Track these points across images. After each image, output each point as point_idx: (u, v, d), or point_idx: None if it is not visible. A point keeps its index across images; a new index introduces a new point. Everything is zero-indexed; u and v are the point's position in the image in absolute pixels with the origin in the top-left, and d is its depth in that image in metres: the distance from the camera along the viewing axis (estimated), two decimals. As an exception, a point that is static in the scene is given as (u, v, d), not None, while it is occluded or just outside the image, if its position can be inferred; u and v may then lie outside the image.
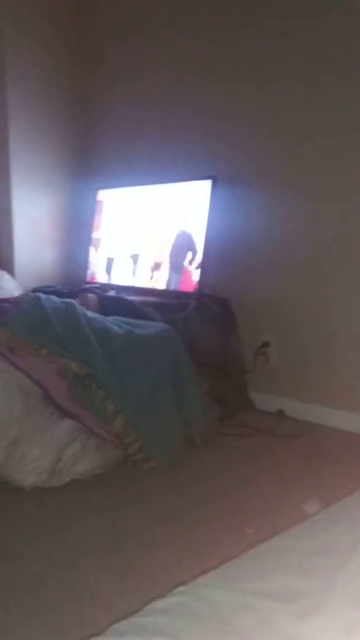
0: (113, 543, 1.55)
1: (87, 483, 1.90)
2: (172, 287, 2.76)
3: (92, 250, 3.22)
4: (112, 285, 3.01)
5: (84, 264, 3.24)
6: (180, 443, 2.14)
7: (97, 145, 3.35)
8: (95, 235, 3.22)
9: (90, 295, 2.73)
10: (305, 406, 2.55)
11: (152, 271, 2.87)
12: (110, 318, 2.35)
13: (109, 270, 3.10)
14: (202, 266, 2.66)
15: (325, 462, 2.09)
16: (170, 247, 2.81)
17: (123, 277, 3.01)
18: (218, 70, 2.76)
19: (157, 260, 2.86)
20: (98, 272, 3.15)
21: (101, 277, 3.12)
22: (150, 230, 2.92)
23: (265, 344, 2.68)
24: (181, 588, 0.95)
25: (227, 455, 2.17)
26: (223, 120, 2.75)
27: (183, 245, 2.76)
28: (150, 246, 2.91)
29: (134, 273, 2.96)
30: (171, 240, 2.80)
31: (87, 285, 3.00)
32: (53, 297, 2.32)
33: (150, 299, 2.66)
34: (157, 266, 2.85)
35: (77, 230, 3.35)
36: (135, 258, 2.97)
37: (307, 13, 2.43)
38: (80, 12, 3.25)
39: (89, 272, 3.21)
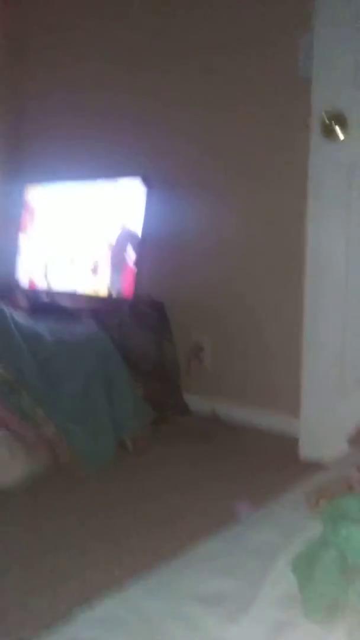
0: (38, 553, 1.51)
1: (15, 491, 1.85)
2: (114, 288, 2.72)
3: (22, 250, 3.14)
4: (45, 290, 2.95)
5: (13, 265, 3.15)
6: (112, 448, 2.12)
7: (26, 139, 3.25)
8: (25, 235, 3.15)
9: (20, 297, 2.66)
10: (239, 408, 2.58)
11: (93, 273, 2.82)
12: (40, 322, 2.30)
13: (45, 273, 3.03)
14: (136, 268, 2.64)
15: (257, 464, 2.12)
16: (109, 247, 2.77)
17: (61, 280, 2.94)
18: (152, 61, 2.74)
19: (96, 263, 2.81)
20: (34, 276, 3.07)
21: (38, 281, 3.04)
22: (86, 231, 2.88)
23: (199, 347, 2.70)
24: (109, 597, 0.94)
25: (159, 460, 2.16)
26: (157, 117, 2.74)
27: (123, 242, 2.72)
28: (88, 247, 2.86)
29: (71, 278, 2.90)
30: (110, 240, 2.76)
31: (17, 289, 2.93)
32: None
33: (84, 304, 2.63)
34: (96, 268, 2.81)
35: (3, 230, 3.25)
36: (73, 260, 2.92)
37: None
38: (10, 3, 3.17)
39: (18, 274, 3.13)
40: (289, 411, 2.41)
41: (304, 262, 2.20)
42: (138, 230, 2.65)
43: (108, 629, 0.85)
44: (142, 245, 2.66)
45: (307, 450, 2.16)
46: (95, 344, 2.26)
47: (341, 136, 2.06)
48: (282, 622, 0.84)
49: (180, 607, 0.90)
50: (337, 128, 2.05)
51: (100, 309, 2.55)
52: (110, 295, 2.71)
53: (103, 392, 2.19)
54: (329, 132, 2.06)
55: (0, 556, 1.49)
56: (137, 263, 2.65)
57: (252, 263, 2.54)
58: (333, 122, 2.05)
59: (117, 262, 2.72)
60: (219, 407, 2.63)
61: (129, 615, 0.90)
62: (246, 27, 2.46)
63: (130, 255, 2.66)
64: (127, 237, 2.70)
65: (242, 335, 2.59)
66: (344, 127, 2.05)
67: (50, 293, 2.90)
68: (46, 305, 2.65)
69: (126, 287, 2.67)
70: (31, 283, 3.06)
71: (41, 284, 3.01)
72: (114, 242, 2.74)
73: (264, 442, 2.37)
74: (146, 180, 2.66)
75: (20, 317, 2.27)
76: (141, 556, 1.45)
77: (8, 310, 2.23)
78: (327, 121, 2.05)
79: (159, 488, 1.92)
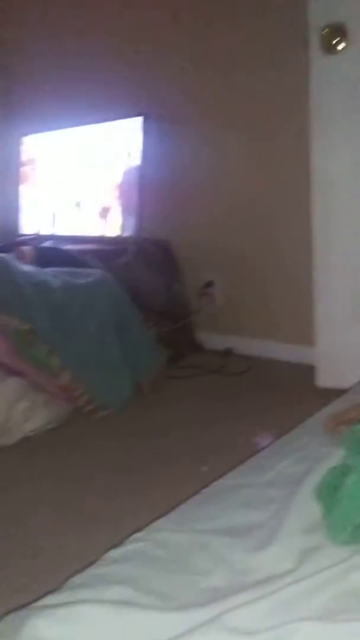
0: (66, 498, 1.54)
1: (39, 439, 1.88)
2: (118, 230, 2.67)
3: (24, 200, 3.09)
4: (48, 235, 2.92)
5: (15, 215, 3.11)
6: (129, 391, 2.13)
7: (18, 87, 3.16)
8: (27, 184, 3.08)
9: (25, 248, 2.63)
10: (253, 342, 2.58)
11: (101, 218, 2.77)
12: (47, 270, 2.27)
13: (49, 220, 2.99)
14: (139, 208, 2.59)
15: (275, 395, 2.13)
16: (113, 190, 2.70)
17: (65, 225, 2.90)
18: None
19: (105, 205, 2.76)
20: (38, 224, 3.03)
21: (42, 228, 3.00)
22: (91, 175, 2.81)
23: (209, 284, 2.67)
24: (137, 535, 0.95)
25: (177, 398, 2.18)
26: (153, 54, 2.63)
27: (128, 183, 2.66)
28: (94, 191, 2.80)
29: (79, 223, 2.85)
30: (114, 183, 2.69)
31: (22, 238, 2.90)
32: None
33: (89, 247, 2.59)
34: (105, 212, 2.75)
35: (3, 181, 3.19)
36: (79, 206, 2.86)
37: None
38: None
39: (22, 224, 3.09)
40: (305, 341, 2.40)
41: (311, 190, 2.13)
42: (140, 170, 2.58)
43: (137, 565, 0.86)
44: (145, 184, 2.59)
45: (324, 378, 2.16)
46: (106, 288, 2.24)
47: (342, 50, 1.95)
48: (308, 548, 0.85)
49: (207, 540, 0.91)
50: (338, 41, 1.94)
51: (105, 252, 2.51)
52: (115, 237, 2.67)
53: (116, 336, 2.18)
54: (329, 46, 1.96)
55: (30, 500, 1.52)
56: (141, 203, 2.59)
57: (258, 195, 2.48)
58: (333, 34, 1.93)
59: (122, 204, 2.66)
60: (233, 343, 2.62)
61: (157, 551, 0.91)
62: None
63: (134, 196, 2.61)
64: (131, 178, 2.64)
65: (252, 269, 2.56)
66: (345, 38, 1.94)
67: (55, 239, 2.86)
68: (52, 252, 2.61)
69: (131, 228, 2.62)
70: (35, 231, 3.02)
71: (45, 231, 2.97)
72: (118, 184, 2.67)
73: (280, 373, 2.38)
74: (146, 119, 2.57)
75: (27, 267, 2.25)
76: (165, 493, 1.48)
77: (14, 262, 2.21)
78: (327, 34, 1.94)
79: (179, 424, 1.94)
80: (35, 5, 2.98)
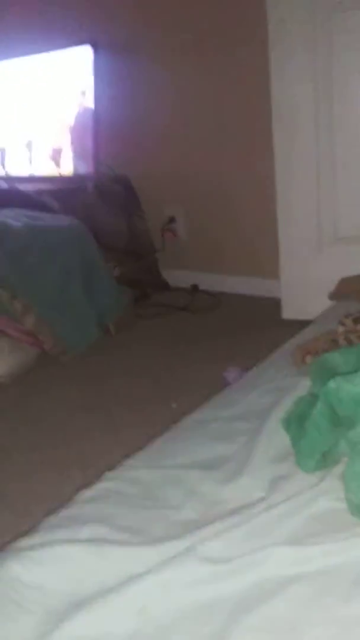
0: (36, 441, 1.54)
1: (6, 385, 1.86)
2: (75, 167, 2.58)
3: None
4: (5, 177, 2.80)
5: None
6: (95, 332, 2.11)
7: None
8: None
9: (-22, 189, 2.53)
10: (219, 277, 2.57)
11: (53, 159, 2.66)
12: (5, 211, 2.19)
13: (2, 161, 2.86)
14: (95, 144, 2.49)
15: (242, 330, 2.14)
16: (68, 127, 2.59)
17: (19, 167, 2.79)
18: None
19: (56, 147, 2.65)
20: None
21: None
22: (42, 111, 2.68)
23: (172, 219, 2.63)
24: (108, 474, 0.95)
25: (144, 338, 2.17)
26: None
27: (82, 120, 2.55)
28: (46, 129, 2.67)
29: (30, 162, 2.74)
30: (68, 120, 2.58)
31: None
32: None
33: (46, 186, 2.50)
34: (58, 150, 2.65)
35: None
36: (29, 146, 2.74)
37: None
38: None
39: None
40: (270, 274, 2.40)
41: (272, 120, 2.07)
42: (91, 102, 2.47)
43: (110, 504, 0.87)
44: (100, 118, 2.49)
45: (289, 310, 2.18)
46: (71, 233, 2.18)
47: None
48: (277, 476, 0.86)
49: (178, 474, 0.92)
50: None
51: (63, 191, 2.43)
52: (72, 176, 2.58)
53: (80, 277, 2.14)
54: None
55: (1, 444, 1.52)
56: (96, 138, 2.49)
57: (217, 126, 2.41)
58: None
59: (77, 140, 2.56)
60: (199, 279, 2.61)
61: (129, 487, 0.92)
62: None
63: (90, 131, 2.50)
64: (85, 112, 2.53)
65: (214, 204, 2.51)
66: None
67: (9, 179, 2.75)
68: (7, 192, 2.52)
69: (87, 165, 2.53)
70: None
71: (5, 172, 2.85)
72: (72, 119, 2.56)
73: (247, 307, 2.38)
74: (95, 46, 2.44)
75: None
76: (137, 432, 1.49)
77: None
78: None
79: (147, 364, 1.94)
80: None
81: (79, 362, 1.98)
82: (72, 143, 2.59)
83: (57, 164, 2.65)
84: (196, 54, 2.37)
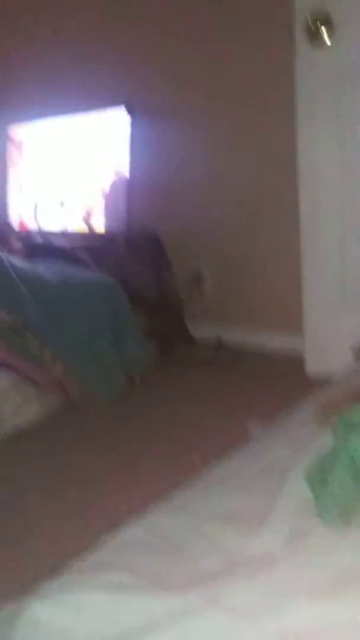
0: (61, 487, 1.55)
1: (31, 432, 1.89)
2: (107, 224, 2.67)
3: (11, 191, 3.07)
4: (38, 230, 2.91)
5: (4, 209, 3.10)
6: (121, 383, 2.15)
7: (4, 76, 3.13)
8: (14, 175, 3.07)
9: (15, 242, 2.63)
10: (243, 331, 2.59)
11: (85, 215, 2.76)
12: (39, 265, 2.28)
13: (37, 213, 2.98)
14: (128, 201, 2.59)
15: (265, 384, 2.15)
16: (103, 192, 2.70)
17: (53, 219, 2.90)
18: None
19: (89, 203, 2.75)
20: (26, 216, 3.02)
21: (30, 222, 2.99)
22: (77, 167, 2.80)
23: (199, 274, 2.68)
24: (130, 522, 0.97)
25: (169, 391, 2.19)
26: (139, 45, 2.62)
27: (119, 182, 2.65)
28: (79, 188, 2.79)
29: (63, 219, 2.85)
30: (101, 183, 2.69)
31: (11, 232, 2.89)
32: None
33: (79, 242, 2.59)
34: (89, 210, 2.75)
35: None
36: (64, 205, 2.85)
37: None
38: None
39: (9, 216, 3.08)
40: (294, 330, 2.42)
41: (298, 177, 2.14)
42: (126, 161, 2.58)
43: (133, 551, 0.88)
44: (132, 176, 2.59)
45: (313, 366, 2.19)
46: (99, 284, 2.25)
47: (328, 41, 1.96)
48: (298, 530, 0.87)
49: (200, 526, 0.93)
50: (323, 30, 1.95)
51: (95, 246, 2.52)
52: (104, 232, 2.67)
53: (109, 329, 2.20)
54: (314, 37, 1.96)
55: (24, 490, 1.54)
56: (129, 196, 2.59)
57: (246, 184, 2.49)
58: (318, 24, 1.94)
59: (110, 197, 2.67)
60: (224, 333, 2.64)
61: (152, 537, 0.93)
62: None
63: (122, 189, 2.61)
64: (118, 172, 2.64)
65: (241, 260, 2.57)
66: (329, 29, 1.94)
67: (43, 233, 2.86)
68: (41, 246, 2.61)
69: (119, 221, 2.62)
70: (23, 224, 3.01)
71: (33, 225, 2.96)
72: (106, 179, 2.67)
73: (271, 362, 2.39)
74: (130, 109, 2.56)
75: (17, 260, 2.25)
76: (158, 482, 1.49)
77: (4, 254, 2.21)
78: (311, 24, 1.95)
79: (170, 417, 1.96)
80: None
81: (102, 412, 2.00)
82: (105, 199, 2.69)
83: (89, 220, 2.75)
84: (226, 115, 2.47)
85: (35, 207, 2.97)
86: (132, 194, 2.60)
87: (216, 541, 0.89)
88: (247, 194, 2.49)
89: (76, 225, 2.79)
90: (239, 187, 2.50)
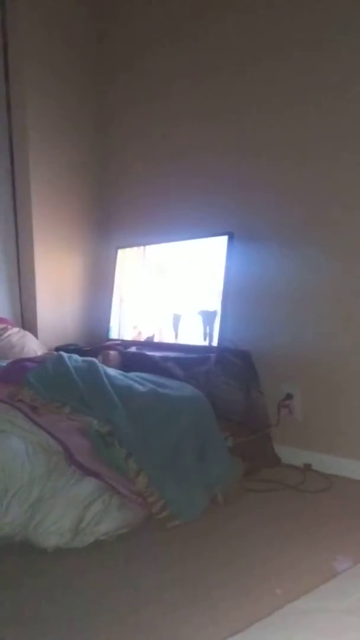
0: (135, 606, 1.50)
1: (111, 543, 1.87)
2: (210, 341, 2.74)
3: (115, 308, 3.26)
4: (133, 341, 3.04)
5: (106, 322, 3.28)
6: (205, 502, 2.10)
7: (116, 205, 3.44)
8: (117, 293, 3.27)
9: (111, 352, 2.75)
10: (334, 459, 2.50)
11: (180, 324, 2.87)
12: (132, 374, 2.36)
13: (135, 326, 3.12)
14: (221, 319, 2.67)
15: (356, 517, 2.03)
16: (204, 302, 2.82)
17: (150, 331, 3.02)
18: (236, 122, 2.84)
19: (189, 317, 2.86)
20: (125, 329, 3.17)
21: (128, 334, 3.13)
22: (179, 288, 2.94)
23: (289, 396, 2.66)
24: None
25: (252, 513, 2.12)
26: (239, 177, 2.81)
27: (215, 303, 2.75)
28: (181, 305, 2.92)
29: (160, 327, 2.97)
30: (203, 294, 2.82)
31: (109, 343, 3.03)
32: (75, 356, 2.35)
33: (171, 354, 2.67)
34: (188, 323, 2.86)
35: (98, 289, 3.41)
36: (162, 313, 2.99)
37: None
38: (98, 78, 3.41)
39: (110, 329, 3.25)
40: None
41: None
42: (224, 284, 2.69)
43: None
44: (228, 296, 2.69)
45: None
46: (191, 402, 2.27)
47: None
48: None
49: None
50: None
51: (188, 359, 2.58)
52: (197, 346, 2.74)
53: (195, 445, 2.19)
54: None
55: (93, 609, 1.50)
56: (223, 314, 2.68)
57: (340, 309, 2.50)
58: None
59: (207, 315, 2.76)
60: (312, 458, 2.55)
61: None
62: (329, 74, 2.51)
63: (218, 307, 2.70)
64: (216, 291, 2.75)
65: (333, 384, 2.53)
66: None
67: (139, 344, 2.97)
68: (136, 357, 2.71)
69: (213, 337, 2.69)
70: (122, 336, 3.15)
71: (131, 337, 3.10)
72: (205, 299, 2.78)
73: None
74: (230, 237, 2.71)
75: (112, 370, 2.34)
76: (236, 614, 1.41)
77: (100, 364, 2.31)
78: None
79: (253, 542, 1.87)
80: (134, 129, 3.31)
81: (182, 529, 1.95)
82: (205, 313, 2.78)
83: (183, 330, 2.84)
84: (320, 240, 2.54)
85: (135, 319, 3.12)
86: (227, 313, 2.68)
87: None
88: (343, 318, 2.49)
89: (171, 337, 2.89)
90: (334, 310, 2.52)
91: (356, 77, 2.39)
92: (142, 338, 3.04)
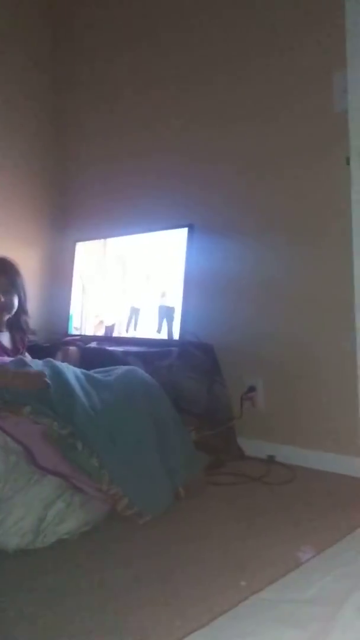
0: (101, 604, 1.48)
1: (73, 542, 1.83)
2: (162, 332, 2.74)
3: (74, 303, 3.22)
4: (94, 337, 3.00)
5: (65, 316, 3.23)
6: (170, 498, 2.08)
7: (75, 201, 3.41)
8: (76, 287, 3.23)
9: (71, 348, 2.70)
10: (296, 450, 2.51)
11: (140, 318, 2.85)
12: (93, 374, 2.31)
13: (95, 321, 3.09)
14: (182, 312, 2.65)
15: (318, 507, 2.04)
16: (158, 296, 2.80)
17: (108, 326, 3.00)
18: (190, 114, 2.83)
19: (144, 307, 2.85)
20: (84, 324, 3.13)
21: (88, 329, 3.10)
22: (134, 278, 2.92)
23: (251, 389, 2.66)
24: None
25: (215, 506, 2.11)
26: (201, 170, 2.80)
27: (176, 296, 2.74)
28: (135, 294, 2.90)
29: (119, 322, 2.94)
30: (162, 288, 2.80)
31: (68, 338, 2.98)
32: (36, 360, 2.29)
33: (133, 348, 2.64)
34: (143, 313, 2.84)
35: (56, 284, 3.36)
36: (121, 307, 2.96)
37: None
38: (57, 80, 3.43)
39: (70, 325, 3.20)
40: (350, 451, 2.34)
41: (353, 296, 2.16)
42: (184, 276, 2.68)
43: None
44: (189, 290, 2.68)
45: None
46: (147, 392, 2.24)
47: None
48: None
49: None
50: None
51: (149, 353, 2.56)
52: (159, 340, 2.72)
53: (156, 440, 2.16)
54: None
55: (59, 610, 1.47)
56: (184, 307, 2.66)
57: (302, 302, 2.51)
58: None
59: (166, 310, 2.74)
60: (276, 450, 2.57)
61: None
62: (282, 80, 2.51)
63: (179, 301, 2.68)
64: (176, 284, 2.73)
65: (295, 376, 2.54)
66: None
67: (98, 339, 2.94)
68: (97, 352, 2.67)
69: (174, 330, 2.68)
70: (81, 332, 3.11)
71: (90, 332, 3.06)
72: (164, 292, 2.77)
73: (324, 483, 2.29)
74: (191, 229, 2.70)
75: (72, 368, 2.29)
76: (201, 607, 1.40)
77: (62, 364, 2.26)
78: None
79: (217, 535, 1.87)
80: (93, 121, 3.28)
81: (146, 525, 1.93)
82: (164, 307, 2.77)
83: (143, 324, 2.82)
84: (282, 231, 2.55)
85: (95, 314, 3.08)
86: (188, 306, 2.67)
87: None
88: (305, 311, 2.51)
89: (131, 331, 2.87)
90: (296, 304, 2.53)
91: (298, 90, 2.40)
92: (103, 327, 3.01)
